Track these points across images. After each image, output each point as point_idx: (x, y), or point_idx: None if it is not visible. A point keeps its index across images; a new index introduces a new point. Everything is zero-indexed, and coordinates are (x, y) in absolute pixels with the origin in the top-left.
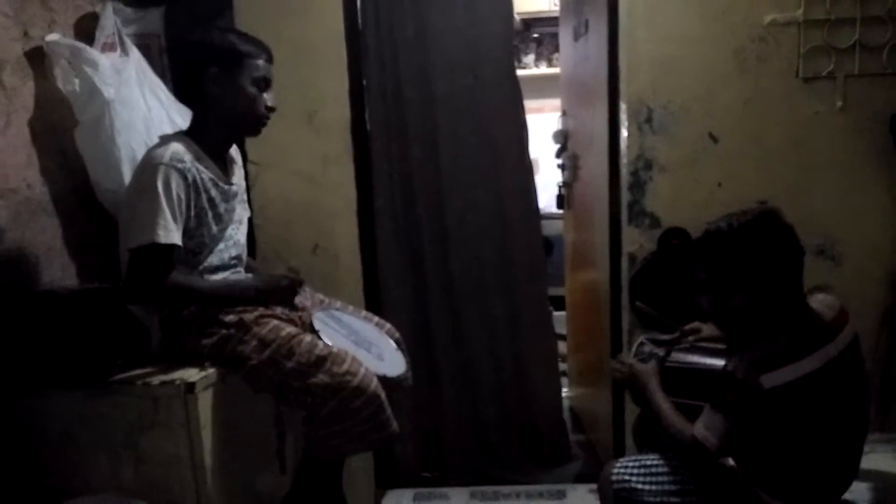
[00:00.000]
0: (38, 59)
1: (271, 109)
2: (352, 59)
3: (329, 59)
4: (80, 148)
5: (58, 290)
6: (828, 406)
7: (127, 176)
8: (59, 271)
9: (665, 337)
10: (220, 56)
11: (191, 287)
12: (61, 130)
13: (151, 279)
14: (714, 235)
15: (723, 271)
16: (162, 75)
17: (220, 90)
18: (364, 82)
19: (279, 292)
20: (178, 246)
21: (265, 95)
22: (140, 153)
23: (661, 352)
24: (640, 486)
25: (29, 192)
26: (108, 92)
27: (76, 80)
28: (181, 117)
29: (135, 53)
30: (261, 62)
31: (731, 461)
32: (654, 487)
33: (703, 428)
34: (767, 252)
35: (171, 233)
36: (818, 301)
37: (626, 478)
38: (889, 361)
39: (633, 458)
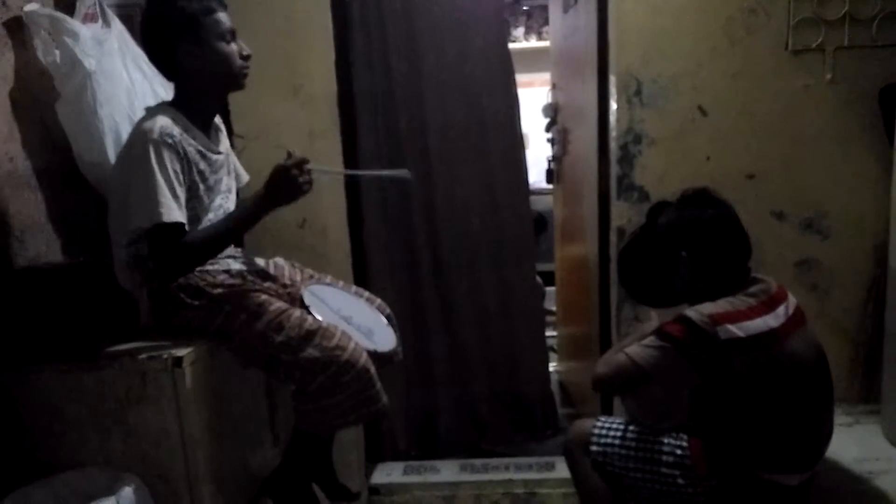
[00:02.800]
0: (17, 29)
1: (247, 57)
2: (338, 31)
3: (315, 31)
4: (62, 121)
5: (44, 264)
6: (784, 367)
7: (110, 149)
8: (43, 246)
9: None
10: (181, 27)
11: (206, 237)
12: (43, 103)
13: (172, 253)
14: (650, 232)
15: (670, 253)
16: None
17: (195, 60)
18: (351, 55)
19: (288, 181)
20: (183, 222)
21: (234, 46)
22: (123, 126)
23: None
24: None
25: (11, 165)
26: (90, 63)
27: (57, 52)
28: (164, 89)
29: (117, 24)
30: (219, 14)
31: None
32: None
33: (643, 353)
34: (695, 227)
35: (173, 210)
36: (761, 277)
37: (605, 434)
38: (874, 334)
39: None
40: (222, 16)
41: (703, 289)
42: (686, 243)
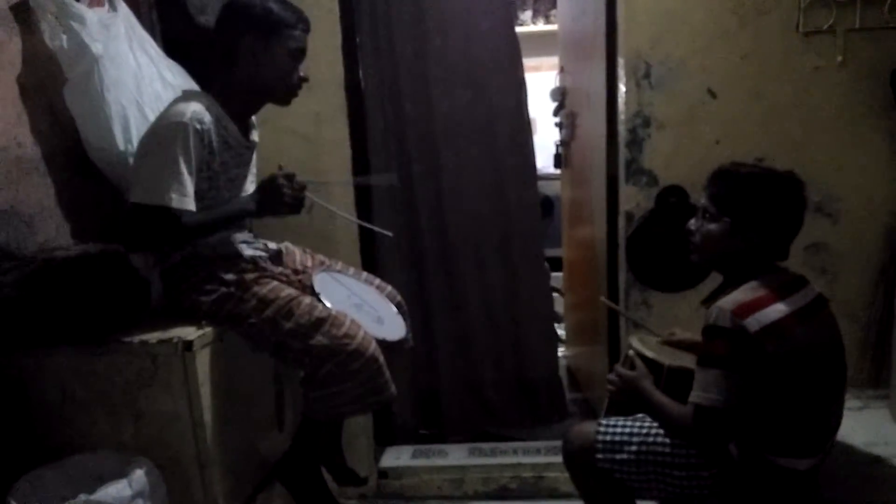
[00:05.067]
0: (24, 14)
1: (304, 80)
2: (344, 15)
3: (321, 15)
4: (69, 106)
5: (54, 249)
6: (809, 352)
7: (118, 133)
8: (53, 231)
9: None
10: (259, 24)
11: (186, 224)
12: (51, 88)
13: (154, 236)
14: (740, 175)
15: (734, 209)
16: (150, 30)
17: (256, 58)
18: (357, 39)
19: (273, 191)
20: (192, 210)
21: (297, 65)
22: (130, 110)
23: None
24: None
25: (20, 151)
26: (97, 48)
27: (63, 36)
28: (171, 73)
29: (123, 8)
30: (298, 33)
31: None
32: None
33: (701, 391)
34: (782, 206)
35: (185, 198)
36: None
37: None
38: (884, 318)
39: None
40: (300, 35)
41: (739, 254)
42: (762, 222)
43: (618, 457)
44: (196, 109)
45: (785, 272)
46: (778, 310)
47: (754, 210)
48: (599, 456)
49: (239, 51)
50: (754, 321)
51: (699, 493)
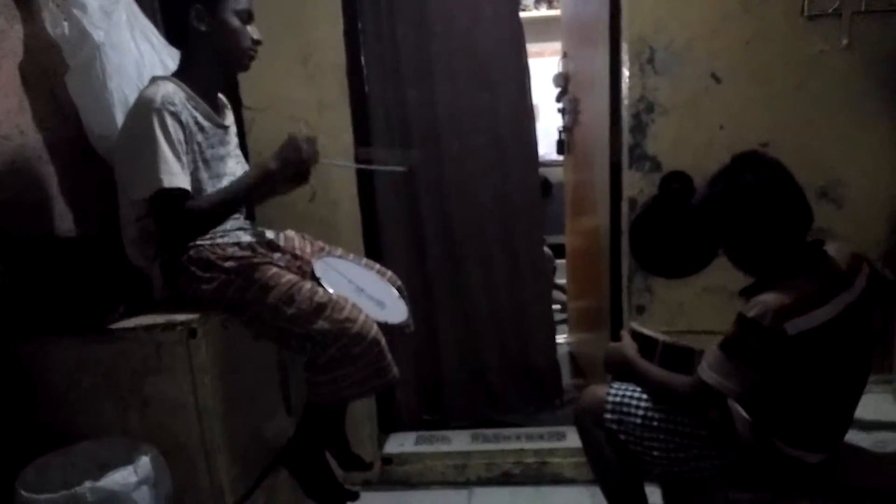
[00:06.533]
0: (25, 1)
1: (257, 42)
2: (346, 1)
3: (324, 1)
4: (71, 93)
5: (57, 237)
6: (842, 352)
7: (120, 121)
8: (55, 219)
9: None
10: None
11: (212, 203)
12: (52, 76)
13: (176, 219)
14: (708, 200)
15: (722, 223)
16: (152, 18)
17: (205, 27)
18: (360, 25)
19: (296, 161)
20: (186, 189)
21: (249, 28)
22: (132, 98)
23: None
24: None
25: (22, 138)
26: (99, 35)
27: (65, 24)
28: (173, 61)
29: None
30: None
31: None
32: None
33: (716, 375)
34: (758, 196)
35: (175, 176)
36: (833, 249)
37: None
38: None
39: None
40: None
41: (763, 263)
42: (730, 216)
43: (625, 418)
44: (166, 92)
45: (834, 265)
46: (820, 316)
47: (739, 225)
48: (608, 416)
49: (188, 26)
50: (794, 325)
51: (701, 466)
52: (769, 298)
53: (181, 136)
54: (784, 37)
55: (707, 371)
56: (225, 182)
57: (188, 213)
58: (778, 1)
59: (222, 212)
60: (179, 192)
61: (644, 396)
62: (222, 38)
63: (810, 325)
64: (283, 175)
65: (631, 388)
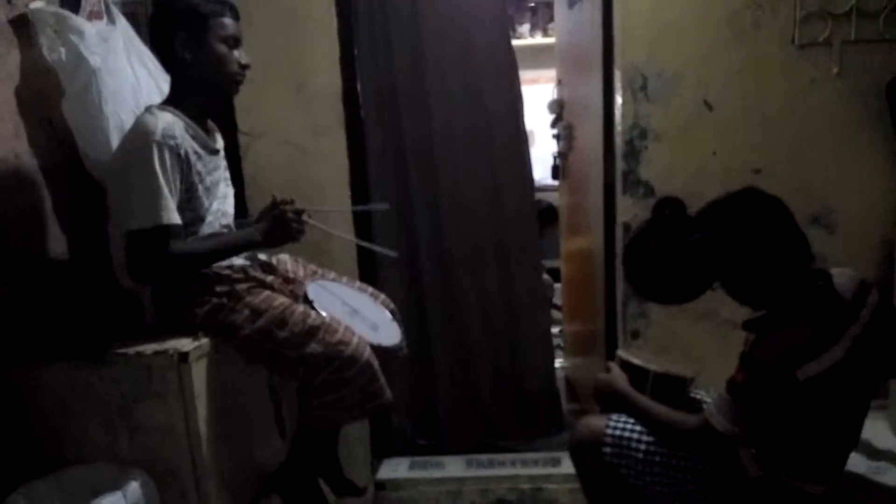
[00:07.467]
0: (22, 27)
1: (245, 67)
2: (342, 27)
3: (319, 27)
4: (67, 118)
5: (50, 261)
6: (851, 389)
7: (115, 146)
8: (49, 243)
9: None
10: (185, 19)
11: (192, 253)
12: (48, 100)
13: (156, 258)
14: (702, 243)
15: (717, 266)
16: (149, 43)
17: (191, 55)
18: (355, 51)
19: (283, 227)
20: (180, 224)
21: (236, 53)
22: (128, 123)
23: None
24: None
25: (17, 162)
26: (95, 61)
27: (62, 49)
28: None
29: (122, 21)
30: (226, 20)
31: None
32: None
33: (726, 421)
34: (752, 240)
35: (172, 213)
36: (840, 276)
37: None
38: None
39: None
40: (229, 22)
41: (762, 299)
42: (725, 259)
43: (626, 452)
44: (166, 125)
45: (839, 296)
46: (831, 357)
47: (734, 268)
48: (607, 450)
49: (176, 53)
50: (805, 371)
51: (705, 500)
52: (777, 342)
53: (177, 173)
54: (775, 65)
55: (716, 416)
56: (216, 205)
57: (169, 254)
58: (769, 30)
59: (199, 264)
60: (173, 228)
61: (645, 430)
62: (209, 64)
63: (822, 368)
64: (268, 244)
65: (631, 421)
